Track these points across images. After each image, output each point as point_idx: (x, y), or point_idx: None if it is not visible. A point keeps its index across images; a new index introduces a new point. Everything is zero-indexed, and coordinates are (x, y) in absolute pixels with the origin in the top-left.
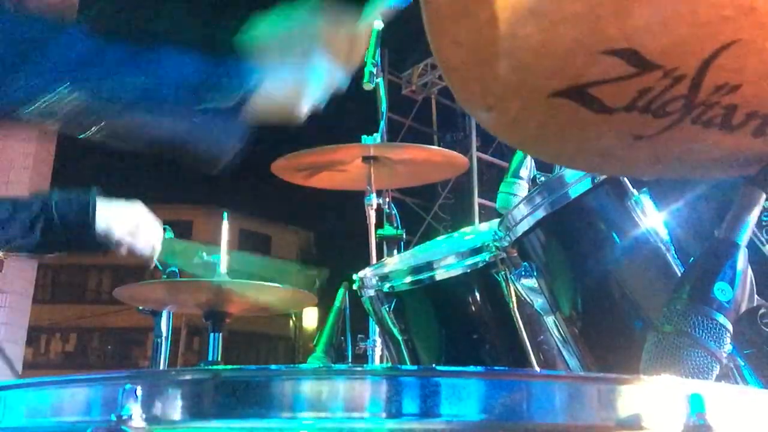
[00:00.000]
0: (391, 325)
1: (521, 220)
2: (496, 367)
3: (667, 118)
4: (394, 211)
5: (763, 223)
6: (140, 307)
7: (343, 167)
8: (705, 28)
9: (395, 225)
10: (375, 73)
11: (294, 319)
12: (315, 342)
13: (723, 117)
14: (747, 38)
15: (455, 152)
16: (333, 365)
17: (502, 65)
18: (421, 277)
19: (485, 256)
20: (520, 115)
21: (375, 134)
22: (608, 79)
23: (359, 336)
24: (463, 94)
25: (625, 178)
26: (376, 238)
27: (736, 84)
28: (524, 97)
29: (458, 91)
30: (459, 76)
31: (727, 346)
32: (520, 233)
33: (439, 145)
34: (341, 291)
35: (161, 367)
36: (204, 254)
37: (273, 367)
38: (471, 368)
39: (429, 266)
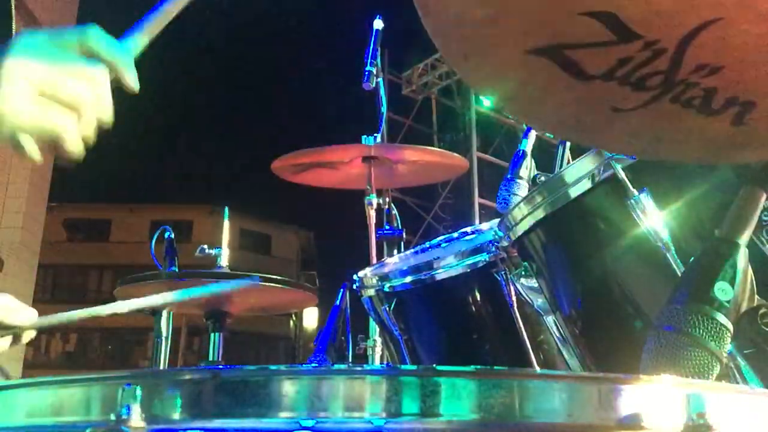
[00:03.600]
0: (391, 325)
1: (521, 220)
2: (496, 367)
3: (646, 93)
4: (394, 211)
5: (764, 223)
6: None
7: (343, 167)
8: (687, 0)
9: (395, 225)
10: (375, 73)
11: (294, 319)
12: (315, 342)
13: (702, 99)
14: (730, 17)
15: (455, 152)
16: (333, 365)
17: (480, 13)
18: (421, 276)
19: (485, 256)
20: (498, 70)
21: (375, 134)
22: (587, 43)
23: (359, 336)
24: (441, 39)
25: (625, 178)
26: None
27: (717, 65)
28: (503, 51)
29: (436, 35)
30: (437, 22)
31: (728, 346)
32: (520, 233)
33: (439, 145)
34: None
35: (161, 367)
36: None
37: (273, 367)
38: (471, 368)
39: (429, 266)
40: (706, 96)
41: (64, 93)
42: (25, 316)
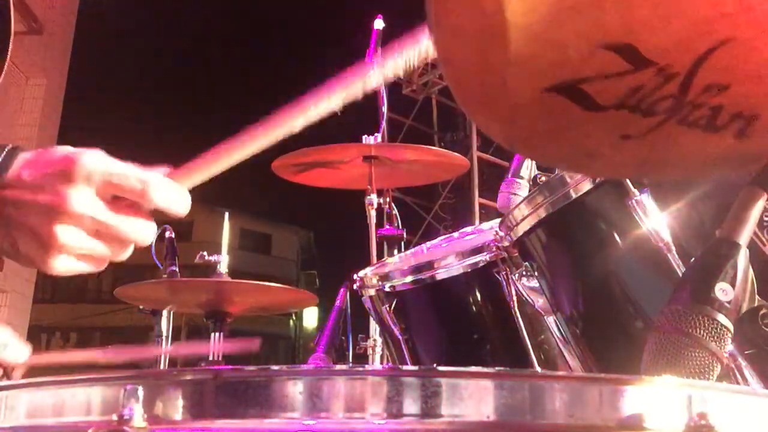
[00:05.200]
0: (392, 325)
1: (522, 220)
2: (497, 368)
3: (654, 118)
4: (395, 211)
5: (764, 223)
6: (141, 307)
7: (343, 167)
8: (703, 25)
9: (395, 225)
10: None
11: (294, 319)
12: (315, 342)
13: (708, 118)
14: (742, 37)
15: (455, 152)
16: (333, 365)
17: (502, 58)
18: (421, 276)
19: (486, 256)
20: (512, 113)
21: (375, 134)
22: (603, 75)
23: (359, 336)
24: (459, 88)
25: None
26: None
27: (724, 84)
28: (519, 93)
29: (455, 84)
30: (457, 69)
31: (728, 347)
32: (521, 233)
33: (439, 145)
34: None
35: (161, 367)
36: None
37: (273, 367)
38: (472, 368)
39: (429, 266)
40: (712, 114)
41: (117, 234)
42: (17, 353)
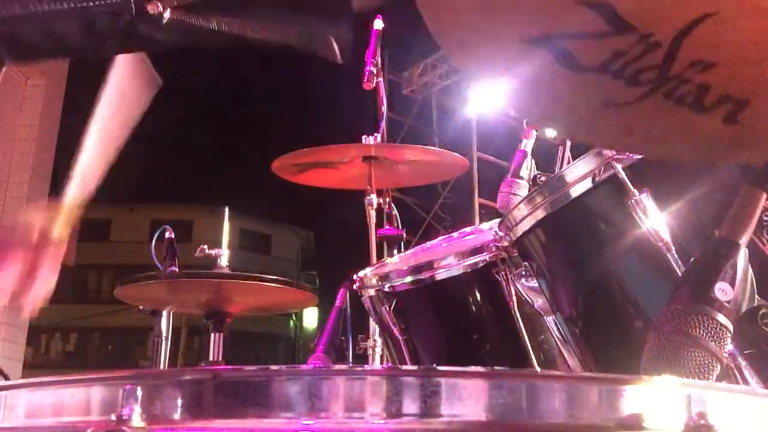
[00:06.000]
0: (391, 325)
1: (521, 220)
2: (496, 367)
3: (639, 88)
4: (395, 211)
5: (764, 223)
6: (141, 307)
7: (343, 167)
8: None
9: (395, 225)
10: (375, 73)
11: (294, 319)
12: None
13: (695, 96)
14: (725, 13)
15: (455, 152)
16: (333, 365)
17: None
18: (421, 276)
19: (486, 256)
20: (491, 58)
21: (375, 134)
22: (583, 34)
23: (359, 336)
24: (439, 28)
25: (626, 178)
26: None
27: (711, 62)
28: (498, 39)
29: (431, 21)
30: (435, 11)
31: (728, 346)
32: (520, 233)
33: (439, 145)
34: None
35: (161, 367)
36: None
37: (273, 367)
38: (471, 368)
39: (429, 266)
40: (699, 93)
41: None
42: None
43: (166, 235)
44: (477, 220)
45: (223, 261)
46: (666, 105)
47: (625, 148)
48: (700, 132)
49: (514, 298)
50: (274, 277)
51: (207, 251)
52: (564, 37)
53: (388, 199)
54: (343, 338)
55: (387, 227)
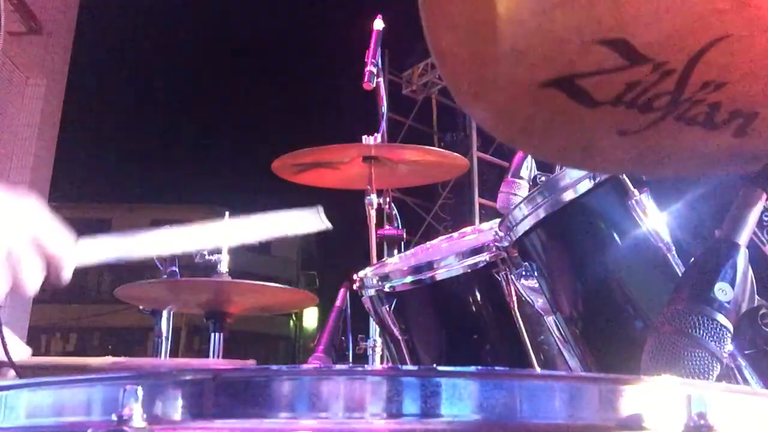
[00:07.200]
0: (391, 325)
1: (522, 220)
2: (496, 368)
3: (651, 114)
4: (395, 211)
5: (764, 223)
6: (141, 307)
7: (343, 167)
8: (697, 21)
9: (395, 225)
10: (375, 73)
11: (294, 319)
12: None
13: (706, 115)
14: (737, 34)
15: (455, 152)
16: (333, 365)
17: (495, 51)
18: (421, 276)
19: (486, 256)
20: (508, 107)
21: (375, 134)
22: (599, 71)
23: (359, 336)
24: (453, 81)
25: (626, 178)
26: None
27: (722, 81)
28: (514, 86)
29: (448, 77)
30: (450, 62)
31: (728, 347)
32: (520, 233)
33: (439, 145)
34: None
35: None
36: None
37: (273, 367)
38: (472, 368)
39: (429, 266)
40: (710, 111)
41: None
42: (17, 353)
43: None
44: (477, 220)
45: (223, 267)
46: (677, 126)
47: (639, 172)
48: (710, 147)
49: (514, 299)
50: (273, 285)
51: (207, 257)
52: (580, 76)
53: (388, 199)
54: (343, 338)
55: (387, 227)
